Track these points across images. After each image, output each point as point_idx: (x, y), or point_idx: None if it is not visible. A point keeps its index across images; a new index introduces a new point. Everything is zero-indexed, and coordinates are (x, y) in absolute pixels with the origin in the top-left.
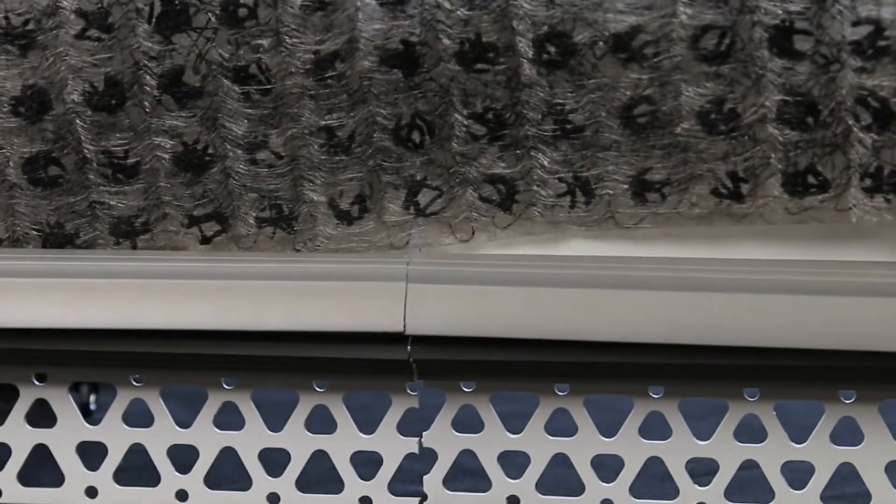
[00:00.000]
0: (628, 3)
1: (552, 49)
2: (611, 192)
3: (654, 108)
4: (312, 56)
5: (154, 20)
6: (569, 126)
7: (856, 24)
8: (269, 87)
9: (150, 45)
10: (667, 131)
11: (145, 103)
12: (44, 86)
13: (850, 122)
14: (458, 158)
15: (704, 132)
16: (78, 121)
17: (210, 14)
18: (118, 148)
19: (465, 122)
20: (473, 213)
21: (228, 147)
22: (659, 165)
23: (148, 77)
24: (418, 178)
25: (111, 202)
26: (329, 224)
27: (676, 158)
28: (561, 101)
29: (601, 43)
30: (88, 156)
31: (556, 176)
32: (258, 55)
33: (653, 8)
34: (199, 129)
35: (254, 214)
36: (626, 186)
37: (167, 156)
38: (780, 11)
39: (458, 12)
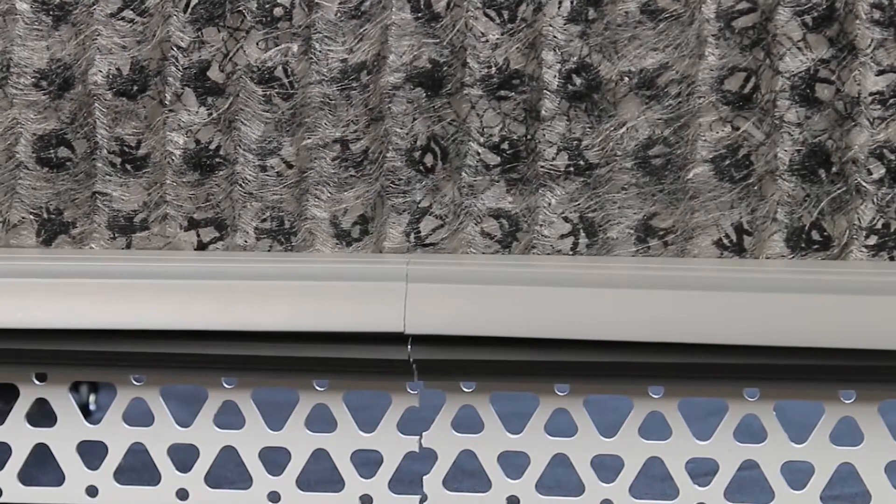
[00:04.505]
0: (658, 40)
1: (578, 81)
2: (615, 235)
3: (670, 150)
4: (340, 64)
5: (189, 9)
6: (582, 163)
7: (880, 73)
8: (291, 91)
9: (181, 34)
10: (678, 176)
11: (165, 94)
12: (69, 62)
13: (861, 177)
14: (466, 190)
15: (716, 178)
16: (97, 103)
17: (245, 12)
18: (131, 137)
19: (480, 151)
20: (471, 249)
21: (240, 151)
22: (666, 211)
23: (173, 68)
24: (423, 205)
25: (114, 193)
26: (327, 244)
27: (684, 206)
28: (578, 135)
29: (626, 79)
30: (100, 141)
31: (562, 215)
32: (286, 58)
33: (681, 47)
34: (215, 129)
35: (254, 224)
36: (630, 231)
37: (178, 151)
38: (805, 58)
39: (489, 36)
